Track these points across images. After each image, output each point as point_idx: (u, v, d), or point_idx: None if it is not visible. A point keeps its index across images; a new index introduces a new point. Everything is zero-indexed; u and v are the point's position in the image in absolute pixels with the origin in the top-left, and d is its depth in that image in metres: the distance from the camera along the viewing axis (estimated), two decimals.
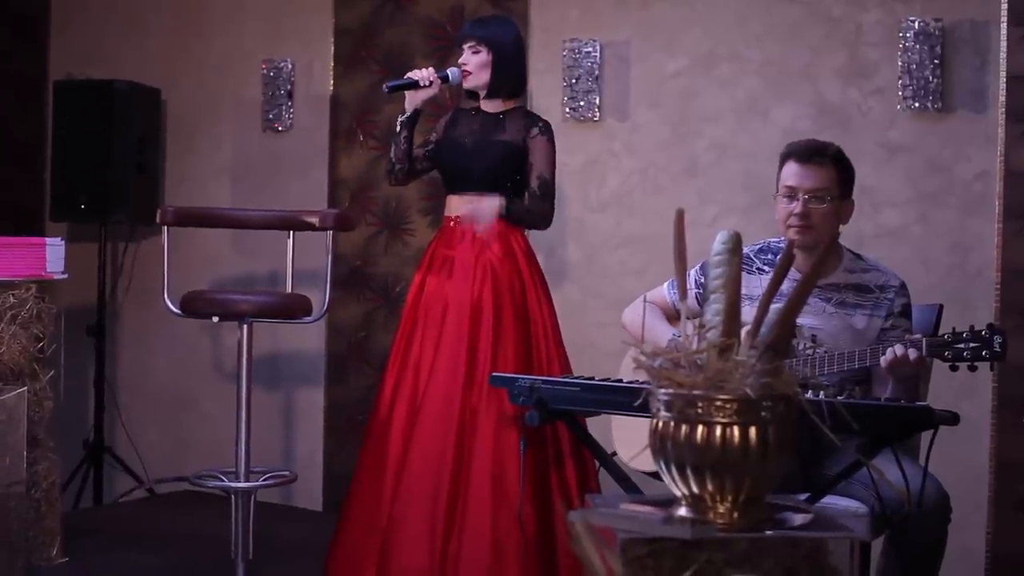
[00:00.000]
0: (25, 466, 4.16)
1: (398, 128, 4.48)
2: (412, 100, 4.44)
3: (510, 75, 4.46)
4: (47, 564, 4.49)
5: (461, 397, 4.22)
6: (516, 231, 4.44)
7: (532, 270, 4.44)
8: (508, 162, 4.39)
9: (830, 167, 3.69)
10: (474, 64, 4.40)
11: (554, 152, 4.44)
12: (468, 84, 4.43)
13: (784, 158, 3.74)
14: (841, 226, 3.75)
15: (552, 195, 4.43)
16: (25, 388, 4.22)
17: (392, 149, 4.51)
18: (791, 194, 3.68)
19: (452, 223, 4.44)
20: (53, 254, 4.49)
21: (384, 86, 4.43)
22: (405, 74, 4.44)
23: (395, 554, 4.15)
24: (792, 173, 3.69)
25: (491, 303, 4.30)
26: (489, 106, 4.48)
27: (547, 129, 4.44)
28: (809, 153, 3.70)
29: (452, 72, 4.42)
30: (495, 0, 5.69)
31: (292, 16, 6.28)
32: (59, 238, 4.62)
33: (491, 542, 4.11)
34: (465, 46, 4.43)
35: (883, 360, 3.39)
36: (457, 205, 4.45)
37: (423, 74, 4.39)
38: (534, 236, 4.51)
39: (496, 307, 4.31)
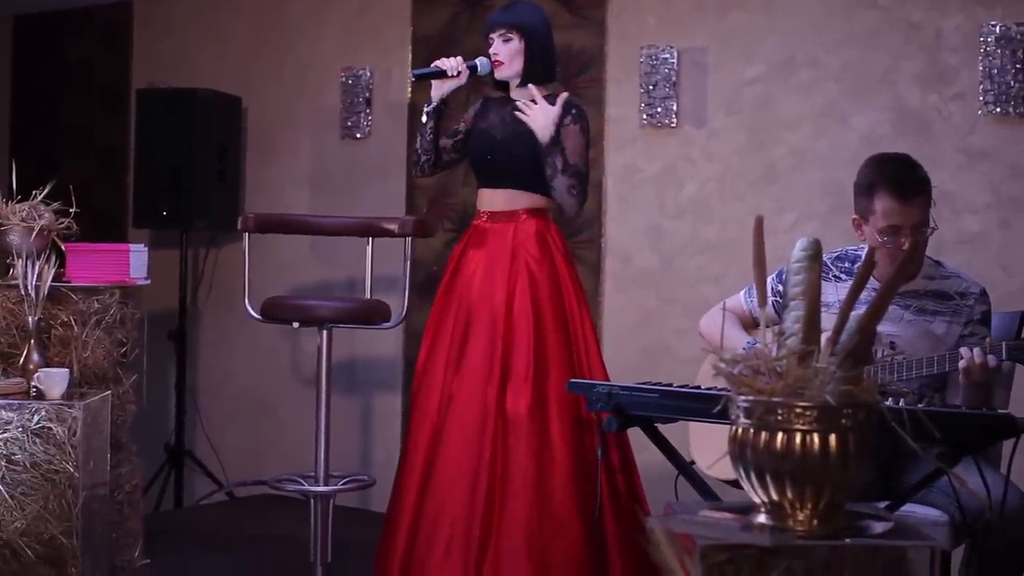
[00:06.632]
0: (108, 469, 4.22)
1: (424, 118, 4.31)
2: (438, 90, 4.27)
3: (542, 60, 4.26)
4: (129, 566, 4.55)
5: (496, 401, 4.08)
6: (552, 229, 4.29)
7: (570, 270, 4.28)
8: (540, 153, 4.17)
9: (926, 193, 3.58)
10: (506, 53, 4.22)
11: (585, 144, 4.23)
12: (501, 74, 4.25)
13: (874, 187, 3.59)
14: None
15: (584, 183, 4.20)
16: (109, 392, 4.28)
17: (418, 140, 4.35)
18: (895, 232, 3.56)
19: (485, 217, 4.30)
20: (136, 260, 4.55)
21: (411, 73, 4.33)
22: (432, 62, 4.31)
23: (428, 566, 4.05)
24: (894, 211, 3.55)
25: (528, 305, 4.15)
26: (520, 94, 4.26)
27: (580, 117, 4.22)
28: (908, 188, 3.56)
29: (481, 62, 4.25)
30: (572, 8, 5.70)
31: (370, 24, 6.33)
32: (142, 244, 4.68)
33: (534, 551, 3.98)
34: (494, 35, 4.24)
35: (960, 363, 3.35)
36: (489, 200, 4.29)
37: (451, 63, 4.22)
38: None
39: (536, 310, 4.15)
